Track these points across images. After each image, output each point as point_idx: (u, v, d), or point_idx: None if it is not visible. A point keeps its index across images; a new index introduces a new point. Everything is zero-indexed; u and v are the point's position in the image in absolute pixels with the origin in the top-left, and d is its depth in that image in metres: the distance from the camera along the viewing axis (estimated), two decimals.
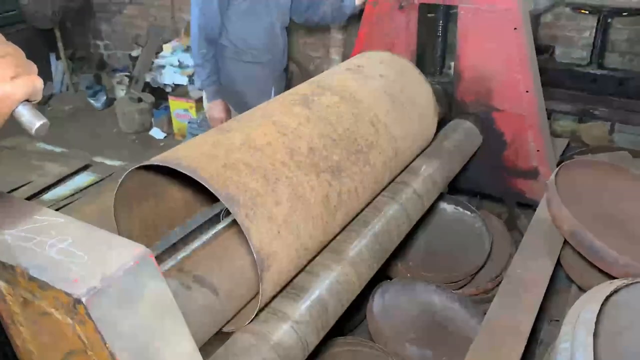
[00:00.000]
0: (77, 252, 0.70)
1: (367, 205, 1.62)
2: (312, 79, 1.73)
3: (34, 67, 0.77)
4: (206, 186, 1.08)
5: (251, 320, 1.21)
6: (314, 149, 1.34)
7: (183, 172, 1.10)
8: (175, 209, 1.47)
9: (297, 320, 1.24)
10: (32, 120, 0.75)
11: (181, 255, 1.23)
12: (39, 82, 0.76)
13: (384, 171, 1.60)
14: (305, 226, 1.24)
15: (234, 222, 1.15)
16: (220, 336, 1.25)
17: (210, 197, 1.39)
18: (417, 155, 1.92)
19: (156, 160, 1.16)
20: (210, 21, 2.90)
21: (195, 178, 1.09)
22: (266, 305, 1.25)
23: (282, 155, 1.26)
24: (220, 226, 1.37)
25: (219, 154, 1.19)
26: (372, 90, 1.66)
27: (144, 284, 0.70)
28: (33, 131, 0.74)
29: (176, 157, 1.16)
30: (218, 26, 2.95)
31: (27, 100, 0.76)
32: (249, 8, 2.99)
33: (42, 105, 6.36)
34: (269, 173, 1.21)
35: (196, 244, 1.29)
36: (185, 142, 1.30)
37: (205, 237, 1.32)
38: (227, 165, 1.16)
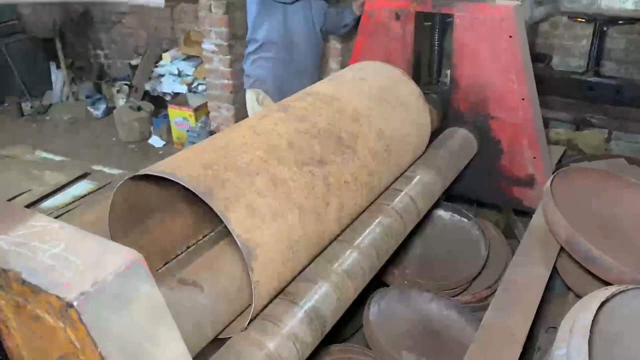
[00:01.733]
0: (70, 257, 0.71)
1: (368, 207, 1.64)
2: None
3: None
4: (184, 185, 1.10)
5: (246, 327, 1.21)
6: (294, 144, 1.36)
7: (162, 175, 1.12)
8: (178, 227, 1.46)
9: (292, 327, 1.24)
10: None
11: (175, 261, 1.24)
12: None
13: (377, 164, 1.60)
14: (292, 217, 1.25)
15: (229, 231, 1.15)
16: (216, 344, 1.25)
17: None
18: (414, 162, 1.92)
19: (143, 171, 1.17)
20: None
21: (173, 179, 1.11)
22: (261, 311, 1.25)
23: (261, 152, 1.29)
24: (214, 233, 1.37)
25: (199, 157, 1.22)
26: (351, 90, 1.70)
27: (136, 288, 0.70)
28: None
29: (158, 165, 1.19)
30: None
31: None
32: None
33: (42, 114, 6.39)
34: (249, 168, 1.23)
35: (190, 250, 1.29)
36: (175, 154, 1.31)
37: (200, 244, 1.32)
38: (205, 165, 1.18)
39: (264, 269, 1.16)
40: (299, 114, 1.48)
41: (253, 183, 1.20)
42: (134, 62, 6.30)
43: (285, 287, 1.31)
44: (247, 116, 3.31)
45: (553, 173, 2.00)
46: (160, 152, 5.49)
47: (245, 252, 1.11)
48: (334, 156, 1.43)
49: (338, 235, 1.50)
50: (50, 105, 6.56)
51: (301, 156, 1.35)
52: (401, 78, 1.89)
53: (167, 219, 1.39)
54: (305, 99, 1.59)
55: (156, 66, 6.00)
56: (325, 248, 1.46)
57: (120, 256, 0.71)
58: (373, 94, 1.72)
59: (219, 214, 1.09)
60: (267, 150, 1.30)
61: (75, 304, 0.65)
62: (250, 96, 3.47)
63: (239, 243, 1.10)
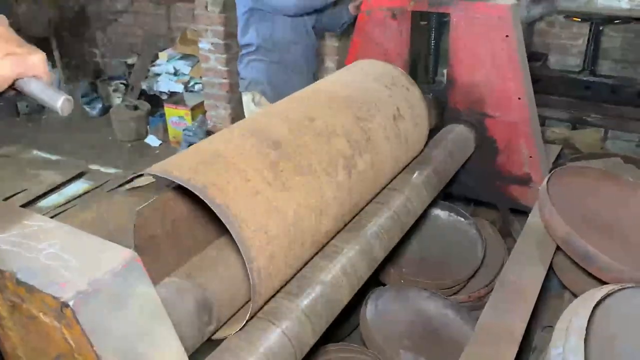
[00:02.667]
0: (65, 257, 0.70)
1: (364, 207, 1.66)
2: (358, 96, 1.68)
3: (36, 50, 0.77)
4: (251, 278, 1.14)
5: (243, 326, 1.21)
6: (329, 233, 1.43)
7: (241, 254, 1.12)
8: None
9: (289, 326, 1.24)
10: (49, 99, 0.74)
11: (172, 258, 1.23)
12: (32, 58, 0.75)
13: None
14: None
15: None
16: (213, 342, 1.25)
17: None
18: (411, 161, 1.92)
19: (219, 213, 1.10)
20: None
21: (246, 265, 1.12)
22: (258, 310, 1.25)
23: (319, 237, 1.35)
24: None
25: (283, 230, 1.21)
26: (395, 152, 1.70)
27: (132, 288, 0.70)
28: (58, 110, 0.74)
29: (237, 211, 1.13)
30: None
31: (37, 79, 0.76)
32: None
33: (38, 114, 6.37)
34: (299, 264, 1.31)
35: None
36: (229, 169, 1.20)
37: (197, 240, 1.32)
38: (287, 256, 1.22)
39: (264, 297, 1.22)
40: (353, 186, 1.47)
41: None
42: (130, 61, 6.29)
43: (283, 286, 1.31)
44: (243, 116, 3.30)
45: (550, 172, 2.00)
46: (157, 151, 5.48)
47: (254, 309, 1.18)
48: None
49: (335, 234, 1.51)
50: None
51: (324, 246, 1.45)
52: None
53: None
54: (365, 156, 1.53)
55: (152, 65, 5.99)
56: (323, 247, 1.46)
57: (116, 255, 0.70)
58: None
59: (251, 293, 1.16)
60: (323, 233, 1.36)
61: (70, 303, 0.65)
62: (246, 98, 3.48)
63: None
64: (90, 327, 0.66)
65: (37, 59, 0.77)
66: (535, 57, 4.12)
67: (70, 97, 0.75)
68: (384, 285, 2.05)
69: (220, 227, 1.33)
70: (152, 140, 5.65)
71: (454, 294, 2.08)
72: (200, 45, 4.81)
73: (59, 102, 0.74)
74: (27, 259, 0.71)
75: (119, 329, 0.69)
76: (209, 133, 4.89)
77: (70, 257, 0.71)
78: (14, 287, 0.69)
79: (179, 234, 1.34)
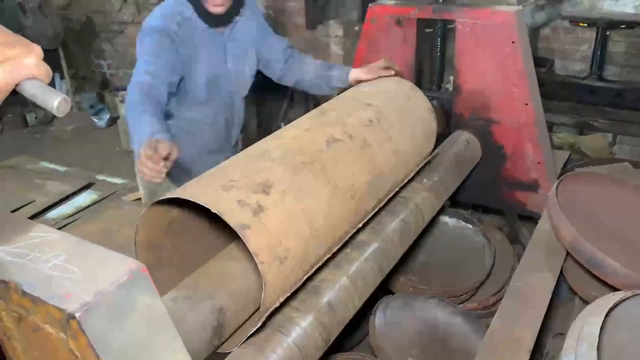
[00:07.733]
0: (71, 268, 0.70)
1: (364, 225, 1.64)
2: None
3: (31, 47, 0.76)
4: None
5: (250, 335, 1.20)
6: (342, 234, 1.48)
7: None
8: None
9: (298, 335, 1.23)
10: (46, 100, 0.74)
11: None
12: (28, 61, 0.74)
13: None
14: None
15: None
16: (219, 355, 1.24)
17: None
18: (419, 169, 1.91)
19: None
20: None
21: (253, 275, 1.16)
22: (267, 320, 1.24)
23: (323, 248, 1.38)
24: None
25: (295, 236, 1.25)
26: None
27: (137, 299, 0.69)
28: (54, 111, 0.73)
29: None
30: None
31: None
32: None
33: (46, 125, 6.40)
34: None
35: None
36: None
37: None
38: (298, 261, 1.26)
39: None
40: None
41: None
42: None
43: (294, 293, 1.31)
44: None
45: (558, 178, 1.99)
46: None
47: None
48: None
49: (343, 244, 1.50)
50: (54, 115, 6.57)
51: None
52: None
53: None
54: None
55: None
56: (333, 256, 1.45)
57: (121, 266, 0.70)
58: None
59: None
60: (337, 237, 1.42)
61: (76, 315, 0.64)
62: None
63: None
64: (96, 338, 0.65)
65: (33, 60, 0.74)
66: (541, 62, 4.11)
67: (67, 98, 0.74)
68: (392, 293, 2.03)
69: (228, 234, 1.33)
70: None
71: (463, 301, 2.06)
72: None
73: (56, 102, 0.73)
74: (33, 270, 0.71)
75: (125, 340, 0.68)
76: None
77: (75, 268, 0.70)
78: (19, 298, 0.69)
79: (184, 243, 1.34)
